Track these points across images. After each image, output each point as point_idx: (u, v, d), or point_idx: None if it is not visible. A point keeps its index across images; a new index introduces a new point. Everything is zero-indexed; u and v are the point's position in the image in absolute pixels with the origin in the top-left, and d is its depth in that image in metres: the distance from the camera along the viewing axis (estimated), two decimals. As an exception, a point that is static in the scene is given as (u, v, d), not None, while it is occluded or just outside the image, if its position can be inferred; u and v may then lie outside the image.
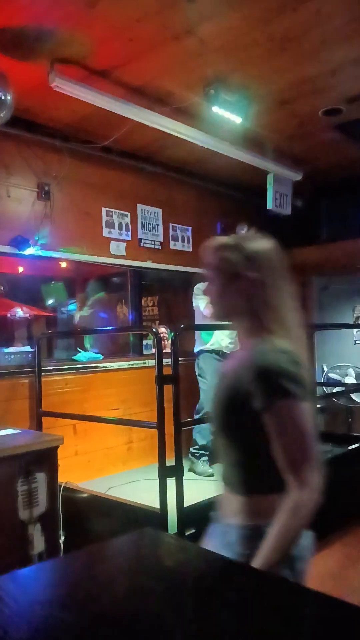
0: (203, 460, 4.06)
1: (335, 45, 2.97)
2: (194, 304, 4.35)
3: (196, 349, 4.34)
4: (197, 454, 4.07)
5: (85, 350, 4.44)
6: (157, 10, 2.60)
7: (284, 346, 1.39)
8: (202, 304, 4.21)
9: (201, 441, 4.08)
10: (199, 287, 4.34)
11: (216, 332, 4.27)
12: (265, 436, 1.33)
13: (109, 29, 2.76)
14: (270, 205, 4.71)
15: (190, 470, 3.94)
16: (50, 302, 5.54)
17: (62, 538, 3.01)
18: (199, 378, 4.27)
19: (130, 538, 1.34)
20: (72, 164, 4.01)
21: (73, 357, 4.24)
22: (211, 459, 4.15)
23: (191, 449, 4.09)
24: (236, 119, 3.56)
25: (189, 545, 1.40)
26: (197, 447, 4.08)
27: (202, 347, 4.29)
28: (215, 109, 3.42)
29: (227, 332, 4.30)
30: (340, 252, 5.63)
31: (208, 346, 4.27)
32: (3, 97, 2.91)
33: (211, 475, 3.95)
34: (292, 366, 1.34)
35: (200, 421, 4.05)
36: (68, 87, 3.12)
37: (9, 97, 2.93)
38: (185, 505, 2.95)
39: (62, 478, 3.13)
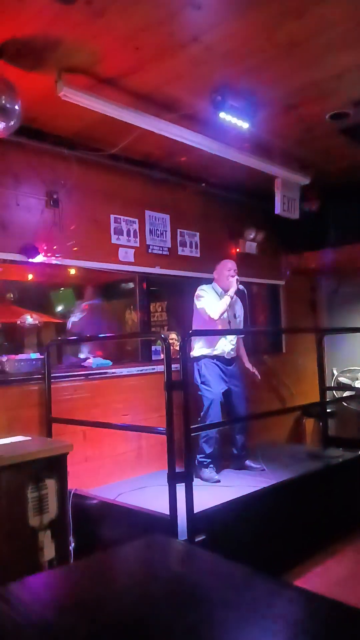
0: (210, 468, 4.03)
1: (340, 50, 2.97)
2: (197, 306, 4.23)
3: (196, 354, 4.21)
4: (205, 462, 4.04)
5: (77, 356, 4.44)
6: (162, 19, 2.63)
7: None
8: (207, 307, 4.16)
9: (208, 449, 4.04)
10: (203, 288, 4.28)
11: (220, 338, 4.22)
12: None
13: (115, 38, 2.79)
14: (278, 210, 4.71)
15: (197, 476, 3.91)
16: (59, 308, 5.56)
17: (72, 545, 3.01)
18: (202, 386, 4.15)
19: (140, 544, 1.34)
20: (80, 172, 4.04)
21: (82, 364, 4.25)
22: (217, 466, 4.11)
23: (198, 457, 4.05)
24: (243, 125, 3.57)
25: (199, 552, 1.40)
26: (204, 455, 4.05)
27: (203, 353, 4.20)
28: (222, 115, 3.43)
29: (229, 337, 4.26)
30: (349, 256, 5.61)
31: (210, 352, 4.19)
32: (11, 107, 2.94)
33: (218, 481, 3.93)
34: None
35: (208, 427, 4.03)
36: (75, 96, 3.15)
37: (17, 107, 2.96)
38: (195, 511, 2.95)
39: (72, 484, 3.13)
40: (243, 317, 4.49)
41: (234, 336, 4.32)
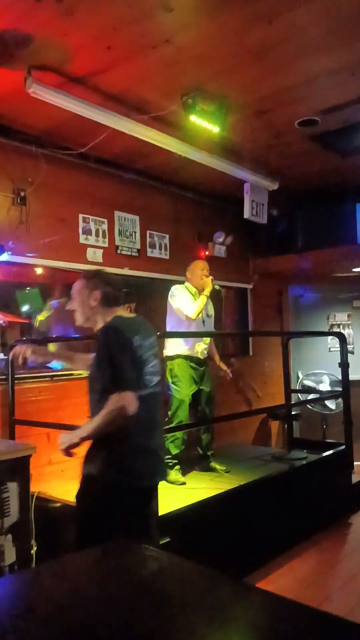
0: (176, 470, 4.02)
1: (310, 56, 3.02)
2: (172, 306, 4.19)
3: (170, 353, 4.18)
4: (171, 464, 4.03)
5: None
6: (134, 19, 2.62)
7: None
8: (184, 306, 4.12)
9: (174, 451, 4.02)
10: (177, 288, 4.26)
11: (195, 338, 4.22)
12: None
13: (86, 37, 2.76)
14: (246, 214, 4.75)
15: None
16: (25, 308, 5.47)
17: (34, 548, 2.96)
18: (172, 386, 4.12)
19: (105, 547, 1.33)
20: (48, 170, 3.98)
21: (48, 365, 4.18)
22: (183, 468, 4.11)
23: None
24: (213, 128, 3.59)
25: (164, 556, 1.39)
26: (170, 456, 4.03)
27: (177, 352, 4.17)
28: (193, 117, 3.44)
29: (203, 338, 4.27)
30: (315, 262, 5.70)
31: (185, 351, 4.17)
32: (-22, 102, 2.88)
33: (183, 483, 3.92)
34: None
35: (175, 429, 4.02)
36: (45, 94, 3.11)
37: (-16, 102, 2.90)
38: (160, 513, 2.93)
39: (35, 487, 3.08)
40: (215, 316, 4.51)
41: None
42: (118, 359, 2.14)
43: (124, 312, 2.44)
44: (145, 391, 2.23)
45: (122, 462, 2.20)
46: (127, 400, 2.06)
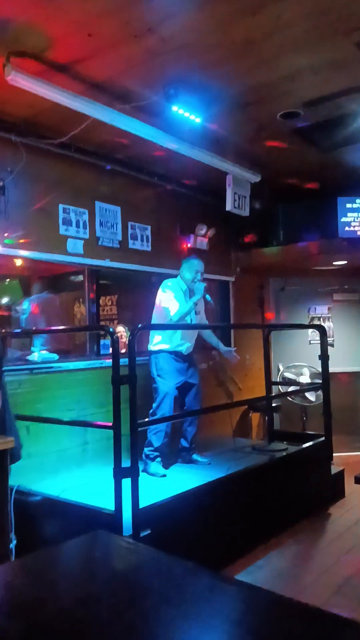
0: (157, 462, 4.03)
1: (294, 51, 3.01)
2: (162, 303, 4.19)
3: (155, 348, 4.22)
4: (152, 456, 4.03)
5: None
6: (118, 6, 2.58)
7: None
8: (172, 308, 4.11)
9: (156, 443, 4.03)
10: (169, 284, 4.24)
11: (184, 334, 4.21)
12: None
13: (68, 23, 2.72)
14: (229, 206, 4.74)
15: (144, 471, 3.89)
16: (4, 300, 5.41)
17: (14, 543, 2.94)
18: (157, 378, 4.15)
19: (83, 541, 1.32)
20: (28, 159, 3.92)
21: (27, 357, 4.14)
22: (165, 460, 4.12)
23: (146, 450, 4.04)
24: (196, 119, 3.57)
25: (142, 549, 1.39)
26: (153, 448, 4.04)
27: (162, 348, 4.19)
28: (175, 108, 3.41)
29: (190, 334, 4.28)
30: (296, 255, 5.73)
31: (170, 347, 4.19)
32: None
33: (164, 476, 3.93)
34: None
35: (157, 422, 4.02)
36: (25, 81, 3.05)
37: None
38: (140, 506, 2.94)
39: (14, 481, 3.04)
40: (206, 314, 4.55)
41: (194, 333, 4.35)
42: None
43: None
44: None
45: None
46: None
